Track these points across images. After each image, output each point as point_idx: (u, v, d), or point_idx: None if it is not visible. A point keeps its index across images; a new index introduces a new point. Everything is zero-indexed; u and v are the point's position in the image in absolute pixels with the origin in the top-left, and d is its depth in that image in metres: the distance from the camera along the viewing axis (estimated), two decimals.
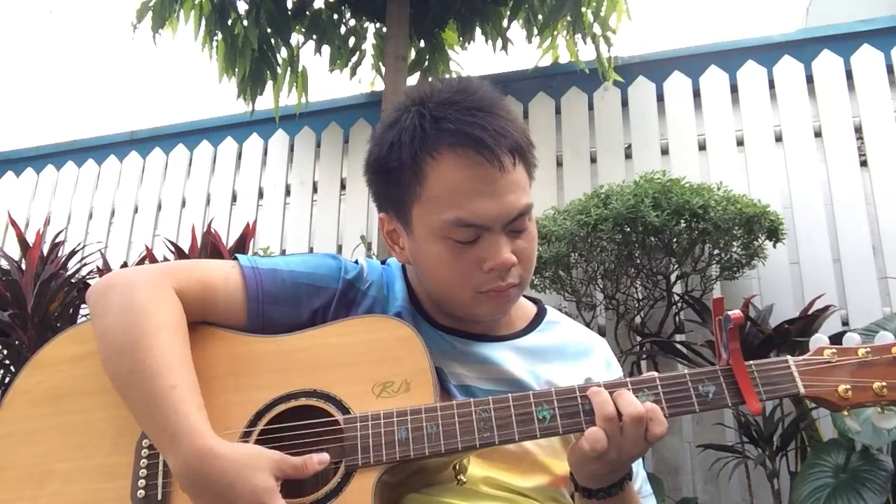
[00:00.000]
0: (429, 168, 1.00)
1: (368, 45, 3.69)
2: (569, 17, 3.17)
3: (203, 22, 3.25)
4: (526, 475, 1.02)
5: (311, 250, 3.60)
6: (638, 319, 2.75)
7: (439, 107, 1.01)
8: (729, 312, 0.92)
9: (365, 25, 3.65)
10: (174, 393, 0.93)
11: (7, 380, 2.80)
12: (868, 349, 0.92)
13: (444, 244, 1.00)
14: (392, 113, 1.07)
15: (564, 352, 1.14)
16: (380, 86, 3.69)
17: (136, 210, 3.98)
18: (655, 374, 0.96)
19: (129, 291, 1.01)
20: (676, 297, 2.73)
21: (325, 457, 0.93)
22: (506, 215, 0.99)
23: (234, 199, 3.84)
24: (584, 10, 3.11)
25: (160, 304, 1.00)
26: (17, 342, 2.69)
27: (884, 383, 0.89)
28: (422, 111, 1.02)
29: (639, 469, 1.13)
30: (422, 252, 1.04)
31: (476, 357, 1.08)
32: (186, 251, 2.82)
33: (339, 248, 3.50)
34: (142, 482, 0.96)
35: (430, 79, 3.60)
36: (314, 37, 3.49)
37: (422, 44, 3.60)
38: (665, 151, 3.24)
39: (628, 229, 2.48)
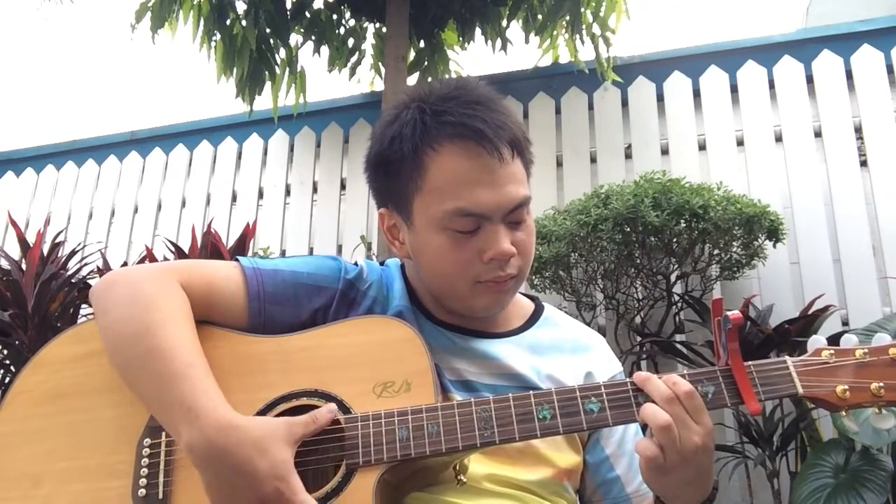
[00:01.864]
0: (429, 160, 1.02)
1: (368, 45, 3.70)
2: (568, 18, 3.18)
3: (202, 22, 3.25)
4: (529, 469, 1.03)
5: (311, 250, 3.60)
6: (638, 319, 2.75)
7: (440, 101, 1.04)
8: (728, 313, 0.92)
9: (364, 25, 3.65)
10: (191, 370, 0.94)
11: (7, 380, 2.81)
12: (866, 350, 0.92)
13: (444, 235, 1.02)
14: (391, 110, 1.09)
15: (563, 347, 1.15)
16: (379, 86, 3.69)
17: (136, 210, 3.98)
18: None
19: (135, 285, 1.02)
20: (676, 297, 2.73)
21: (333, 405, 0.95)
22: (506, 205, 1.01)
23: (234, 199, 3.84)
24: (583, 10, 3.11)
25: (168, 296, 1.01)
26: (17, 342, 2.70)
27: (881, 384, 0.90)
28: (422, 106, 1.04)
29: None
30: (422, 244, 1.05)
31: (477, 353, 1.09)
32: (186, 251, 2.82)
33: (339, 249, 3.50)
34: (143, 481, 0.97)
35: (429, 79, 3.60)
36: (313, 37, 3.49)
37: (421, 44, 3.60)
38: (665, 151, 3.25)
39: (628, 229, 2.48)
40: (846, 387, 0.91)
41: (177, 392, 0.93)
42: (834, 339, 0.98)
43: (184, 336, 0.98)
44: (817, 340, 0.95)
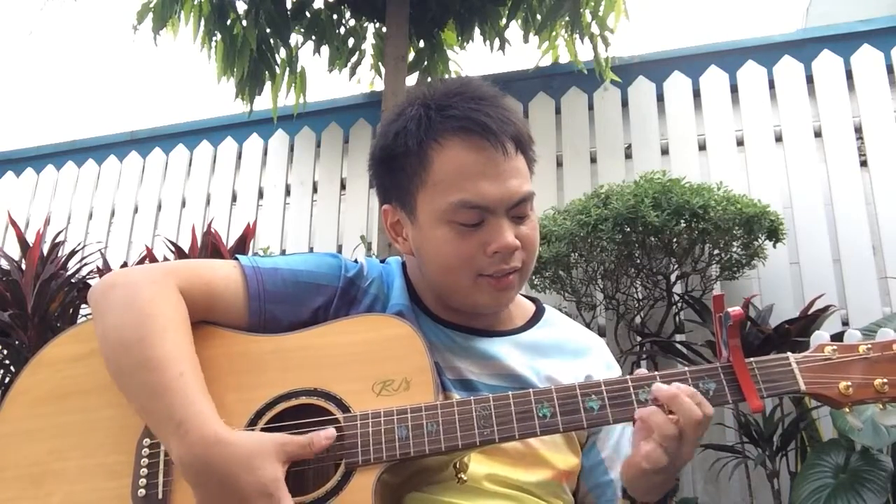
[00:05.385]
0: (434, 153, 1.02)
1: (368, 45, 3.69)
2: (567, 17, 3.17)
3: (202, 22, 3.25)
4: (529, 470, 1.03)
5: (311, 250, 3.60)
6: (638, 319, 2.75)
7: (444, 97, 1.05)
8: (729, 309, 0.92)
9: (364, 25, 3.65)
10: (181, 380, 0.93)
11: (7, 380, 2.80)
12: (869, 346, 0.92)
13: (448, 228, 1.02)
14: (395, 108, 1.10)
15: (563, 348, 1.15)
16: (379, 86, 3.69)
17: (136, 210, 3.98)
18: (656, 372, 0.96)
19: (133, 290, 1.01)
20: (676, 297, 2.73)
21: (332, 431, 0.93)
22: (509, 198, 1.02)
23: (234, 199, 3.84)
24: (582, 10, 3.11)
25: (164, 302, 1.00)
26: (17, 342, 2.69)
27: (885, 380, 0.89)
28: (427, 102, 1.05)
29: None
30: (426, 239, 1.05)
31: (477, 352, 1.09)
32: (186, 251, 2.82)
33: (340, 249, 3.50)
34: (142, 481, 0.96)
35: (429, 79, 3.60)
36: (313, 37, 3.49)
37: (421, 44, 3.60)
38: (665, 151, 3.24)
39: (628, 229, 2.48)
40: (849, 383, 0.90)
41: (166, 405, 0.92)
42: (836, 338, 0.98)
43: (176, 346, 0.97)
44: (820, 336, 0.95)
